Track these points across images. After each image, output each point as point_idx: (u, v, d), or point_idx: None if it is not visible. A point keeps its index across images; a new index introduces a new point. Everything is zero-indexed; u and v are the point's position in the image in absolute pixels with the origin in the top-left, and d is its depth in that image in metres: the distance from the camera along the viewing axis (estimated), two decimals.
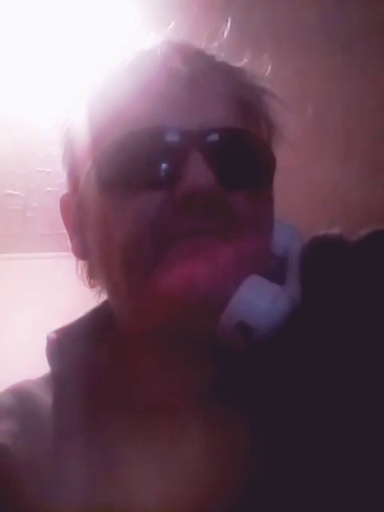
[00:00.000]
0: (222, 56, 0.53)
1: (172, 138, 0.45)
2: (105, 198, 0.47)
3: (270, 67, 0.56)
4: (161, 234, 0.44)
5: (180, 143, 0.45)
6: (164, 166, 0.45)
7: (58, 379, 0.51)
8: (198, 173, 0.44)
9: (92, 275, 0.54)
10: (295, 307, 0.45)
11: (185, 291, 0.43)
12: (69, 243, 0.55)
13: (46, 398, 0.51)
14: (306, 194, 1.36)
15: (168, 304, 0.44)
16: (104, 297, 0.55)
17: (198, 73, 0.48)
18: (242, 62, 0.54)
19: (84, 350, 0.52)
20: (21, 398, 0.52)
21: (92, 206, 0.49)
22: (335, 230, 0.51)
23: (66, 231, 0.55)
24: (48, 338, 0.53)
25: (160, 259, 0.44)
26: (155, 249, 0.44)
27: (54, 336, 0.53)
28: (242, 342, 0.44)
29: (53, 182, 1.38)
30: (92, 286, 0.55)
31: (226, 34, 0.56)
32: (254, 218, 0.47)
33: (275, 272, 0.48)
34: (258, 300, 0.44)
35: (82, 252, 0.53)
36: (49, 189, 1.41)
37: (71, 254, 0.55)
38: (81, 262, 0.55)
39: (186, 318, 0.44)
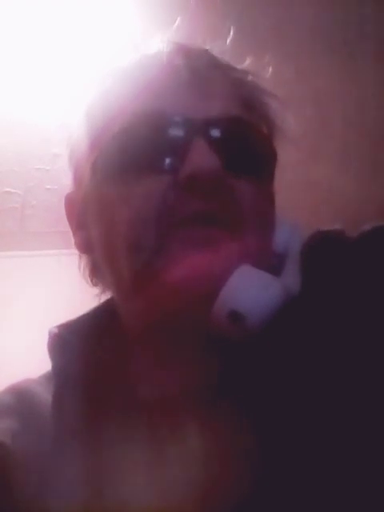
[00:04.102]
0: (224, 56, 0.53)
1: (176, 125, 0.46)
2: (110, 185, 0.48)
3: (270, 68, 0.56)
4: (165, 219, 0.45)
5: (184, 131, 0.46)
6: (168, 151, 0.46)
7: (59, 374, 0.51)
8: (202, 157, 0.45)
9: (95, 272, 0.55)
10: (289, 296, 0.45)
11: (185, 281, 0.43)
12: (68, 241, 0.55)
13: (46, 397, 0.51)
14: (305, 193, 1.36)
15: (169, 293, 0.44)
16: (105, 297, 0.55)
17: (201, 72, 0.49)
18: (244, 62, 0.54)
19: (85, 346, 0.52)
20: (21, 396, 0.53)
21: (97, 196, 0.50)
22: (336, 226, 0.51)
23: (65, 229, 0.56)
24: (50, 333, 0.53)
25: (163, 247, 0.45)
26: (159, 235, 0.45)
27: (55, 331, 0.53)
28: (235, 331, 0.44)
29: (52, 179, 1.38)
30: (94, 285, 0.55)
31: (228, 36, 0.56)
32: (255, 208, 0.47)
33: (276, 269, 0.48)
34: (248, 288, 0.44)
35: (85, 247, 0.53)
36: (48, 187, 1.41)
37: (71, 252, 0.56)
38: (84, 258, 0.55)
39: (186, 307, 0.44)
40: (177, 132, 0.46)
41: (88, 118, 0.51)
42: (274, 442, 0.41)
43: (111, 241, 0.48)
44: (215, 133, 0.46)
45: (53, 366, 0.52)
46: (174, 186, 0.45)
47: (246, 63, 0.54)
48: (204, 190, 0.44)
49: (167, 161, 0.46)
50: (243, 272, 0.45)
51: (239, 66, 0.53)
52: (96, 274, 0.55)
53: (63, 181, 0.56)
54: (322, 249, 0.50)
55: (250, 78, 0.53)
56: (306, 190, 1.37)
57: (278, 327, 0.44)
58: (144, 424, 0.46)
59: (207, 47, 0.53)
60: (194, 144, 0.45)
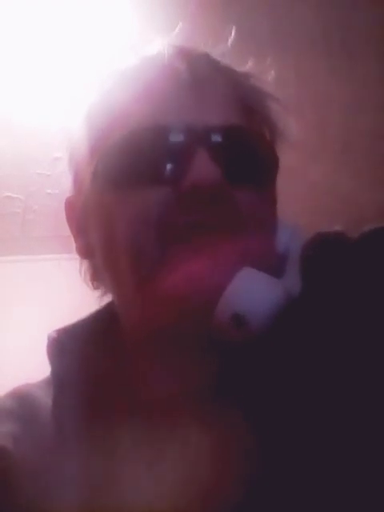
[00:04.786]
0: (225, 60, 0.53)
1: (177, 135, 0.46)
2: (110, 195, 0.48)
3: (272, 71, 0.56)
4: (166, 228, 0.45)
5: (185, 141, 0.46)
6: (169, 162, 0.46)
7: (58, 378, 0.51)
8: (204, 168, 0.45)
9: (96, 277, 0.55)
10: (291, 299, 0.45)
11: (188, 288, 0.43)
12: (69, 245, 0.55)
13: (46, 401, 0.51)
14: (306, 195, 1.36)
15: (171, 301, 0.44)
16: (106, 300, 0.55)
17: (202, 75, 0.49)
18: (246, 66, 0.54)
19: (84, 350, 0.52)
20: (21, 400, 0.52)
21: (97, 204, 0.50)
22: (337, 228, 0.51)
23: (66, 233, 0.55)
24: (49, 337, 0.53)
25: (164, 255, 0.45)
26: (159, 243, 0.45)
27: (54, 335, 0.53)
28: (238, 334, 0.44)
29: (53, 184, 1.38)
30: (95, 288, 0.55)
31: (229, 39, 0.56)
32: (257, 216, 0.47)
33: (276, 270, 0.48)
34: (252, 291, 0.44)
35: (86, 252, 0.53)
36: (49, 191, 1.41)
37: (71, 256, 0.56)
38: (85, 263, 0.55)
39: (189, 313, 0.44)
40: (178, 141, 0.46)
41: (88, 122, 0.51)
42: (274, 442, 0.41)
43: (112, 248, 0.48)
44: (216, 142, 0.46)
45: (52, 371, 0.52)
46: (174, 196, 0.45)
47: (247, 66, 0.54)
48: (205, 200, 0.44)
49: (168, 170, 0.46)
50: (245, 275, 0.45)
51: (240, 69, 0.53)
52: (97, 278, 0.55)
53: (64, 185, 0.56)
54: (323, 251, 0.49)
55: (251, 80, 0.53)
56: (306, 192, 1.37)
57: (280, 330, 0.44)
58: (144, 425, 0.46)
59: (207, 50, 0.53)
60: (195, 155, 0.45)
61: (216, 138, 0.46)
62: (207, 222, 0.45)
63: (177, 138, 0.46)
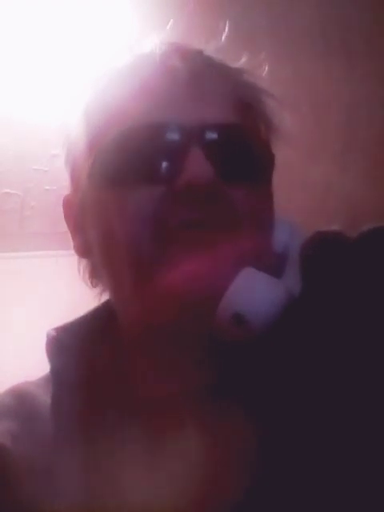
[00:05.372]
0: (220, 56, 0.53)
1: (171, 133, 0.46)
2: (106, 194, 0.48)
3: (267, 67, 0.56)
4: (161, 226, 0.45)
5: (179, 139, 0.46)
6: (164, 161, 0.46)
7: (57, 376, 0.51)
8: (198, 166, 0.45)
9: (94, 274, 0.55)
10: (292, 299, 0.45)
11: (185, 286, 0.43)
12: (67, 242, 0.55)
13: (46, 399, 0.51)
14: (305, 194, 1.36)
15: (170, 299, 0.44)
16: (104, 297, 0.55)
17: (197, 72, 0.49)
18: (241, 62, 0.54)
19: (83, 348, 0.52)
20: (20, 398, 0.53)
21: (94, 202, 0.50)
22: (335, 227, 0.52)
23: (64, 230, 0.56)
24: (48, 335, 0.53)
25: (161, 253, 0.45)
26: (156, 242, 0.45)
27: (53, 333, 0.53)
28: (239, 334, 0.44)
29: (51, 180, 1.38)
30: (94, 286, 0.55)
31: (224, 35, 0.56)
32: (254, 213, 0.47)
33: (275, 269, 0.48)
34: (253, 291, 0.44)
35: (84, 250, 0.53)
36: (47, 187, 1.40)
37: (69, 253, 0.56)
38: (83, 262, 0.55)
39: (187, 313, 0.44)
40: (172, 139, 0.46)
41: (85, 119, 0.51)
42: (275, 442, 0.41)
43: (109, 246, 0.48)
44: (211, 140, 0.46)
45: (51, 369, 0.52)
46: (169, 195, 0.45)
47: (242, 61, 0.54)
48: (199, 199, 0.45)
49: (163, 169, 0.46)
50: (246, 275, 0.45)
51: (237, 66, 0.53)
52: (95, 275, 0.55)
53: (62, 182, 0.56)
54: (321, 250, 0.50)
55: (246, 76, 0.53)
56: (304, 191, 1.37)
57: (281, 329, 0.44)
58: (143, 424, 0.46)
59: (204, 47, 0.53)
60: (190, 153, 0.45)
61: (211, 135, 0.46)
62: (203, 221, 0.45)
63: (172, 136, 0.46)
